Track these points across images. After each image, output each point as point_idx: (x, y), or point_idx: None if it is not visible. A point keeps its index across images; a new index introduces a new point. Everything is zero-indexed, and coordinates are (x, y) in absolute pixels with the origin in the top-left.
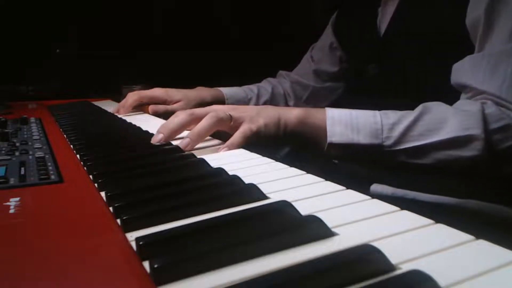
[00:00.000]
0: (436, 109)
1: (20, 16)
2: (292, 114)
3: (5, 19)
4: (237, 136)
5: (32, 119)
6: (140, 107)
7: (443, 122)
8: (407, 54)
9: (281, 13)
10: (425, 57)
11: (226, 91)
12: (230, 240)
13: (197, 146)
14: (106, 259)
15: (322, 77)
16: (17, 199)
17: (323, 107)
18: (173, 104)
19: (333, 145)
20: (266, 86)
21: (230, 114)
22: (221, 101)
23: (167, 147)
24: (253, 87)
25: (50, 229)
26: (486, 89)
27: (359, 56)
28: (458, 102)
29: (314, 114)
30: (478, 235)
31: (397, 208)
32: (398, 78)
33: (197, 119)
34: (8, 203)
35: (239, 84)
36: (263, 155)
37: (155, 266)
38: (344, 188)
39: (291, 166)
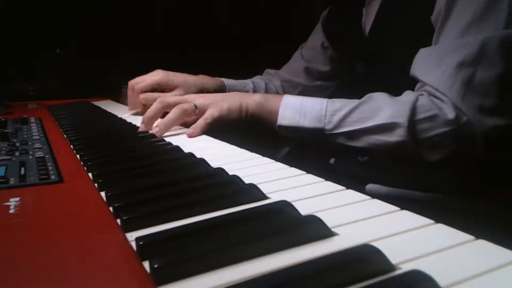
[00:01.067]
0: (376, 98)
1: (20, 16)
2: (252, 99)
3: (5, 19)
4: (200, 121)
5: (32, 119)
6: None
7: (377, 111)
8: (393, 53)
9: (281, 13)
10: (410, 56)
11: (227, 81)
12: (230, 240)
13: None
14: (106, 259)
15: (313, 76)
16: (17, 199)
17: None
18: (172, 88)
19: (282, 127)
20: (260, 82)
21: (195, 104)
22: (222, 90)
23: (167, 147)
24: (249, 82)
25: (50, 229)
26: (426, 80)
27: (348, 55)
28: (403, 93)
29: (271, 100)
30: (478, 235)
31: (397, 208)
32: (386, 76)
33: (169, 106)
34: (8, 203)
35: None
36: (263, 155)
37: (155, 266)
38: (344, 188)
39: (291, 166)
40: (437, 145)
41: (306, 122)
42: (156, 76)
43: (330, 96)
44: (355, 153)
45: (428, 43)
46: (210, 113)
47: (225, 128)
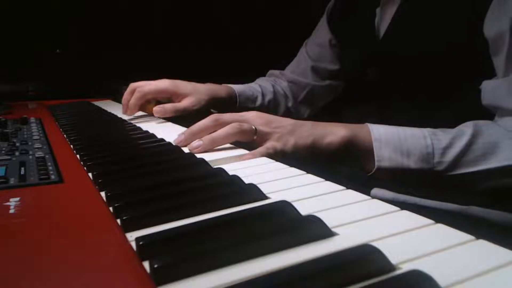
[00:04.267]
0: (487, 131)
1: (21, 16)
2: (335, 135)
3: (6, 19)
4: (261, 149)
5: (32, 119)
6: (143, 107)
7: (497, 147)
8: (408, 59)
9: (280, 12)
10: (426, 62)
11: (236, 87)
12: (230, 240)
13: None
14: (106, 259)
15: (321, 75)
16: (17, 199)
17: (321, 107)
18: (181, 98)
19: (382, 170)
20: (267, 85)
21: (255, 128)
22: (233, 97)
23: (167, 147)
24: (256, 86)
25: (50, 229)
26: None
27: (358, 57)
28: (505, 122)
29: (359, 134)
30: (478, 235)
31: (397, 208)
32: (399, 83)
33: (223, 124)
34: (8, 203)
35: (239, 83)
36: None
37: (155, 266)
38: (344, 188)
39: (291, 166)
40: None
41: (412, 163)
42: (163, 83)
43: (340, 100)
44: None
45: (448, 50)
46: (273, 146)
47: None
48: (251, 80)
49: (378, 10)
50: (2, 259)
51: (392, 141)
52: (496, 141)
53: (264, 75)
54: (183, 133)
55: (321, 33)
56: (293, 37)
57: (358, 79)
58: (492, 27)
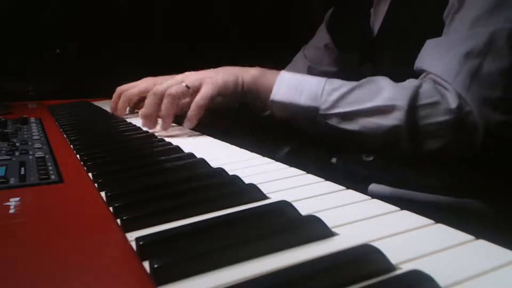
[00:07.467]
0: (377, 81)
1: (20, 15)
2: (248, 72)
3: (5, 19)
4: (193, 109)
5: (32, 119)
6: (136, 106)
7: (377, 93)
8: (401, 54)
9: (281, 13)
10: (416, 56)
11: None
12: (230, 240)
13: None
14: (106, 259)
15: (316, 76)
16: (17, 199)
17: None
18: None
19: (275, 103)
20: None
21: (185, 85)
22: None
23: (167, 147)
24: None
25: (50, 229)
26: (432, 70)
27: (354, 56)
28: (406, 80)
29: (268, 75)
30: (478, 235)
31: (397, 208)
32: (392, 77)
33: (163, 94)
34: (8, 203)
35: None
36: (263, 155)
37: (155, 266)
38: (344, 188)
39: (291, 166)
40: (434, 134)
41: (302, 99)
42: (146, 83)
43: None
44: (344, 141)
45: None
46: (205, 92)
47: (221, 109)
48: None
49: (372, 11)
50: (2, 259)
51: (292, 81)
52: (379, 88)
53: None
54: (143, 119)
55: (319, 38)
56: (293, 38)
57: (353, 76)
58: (447, 6)
